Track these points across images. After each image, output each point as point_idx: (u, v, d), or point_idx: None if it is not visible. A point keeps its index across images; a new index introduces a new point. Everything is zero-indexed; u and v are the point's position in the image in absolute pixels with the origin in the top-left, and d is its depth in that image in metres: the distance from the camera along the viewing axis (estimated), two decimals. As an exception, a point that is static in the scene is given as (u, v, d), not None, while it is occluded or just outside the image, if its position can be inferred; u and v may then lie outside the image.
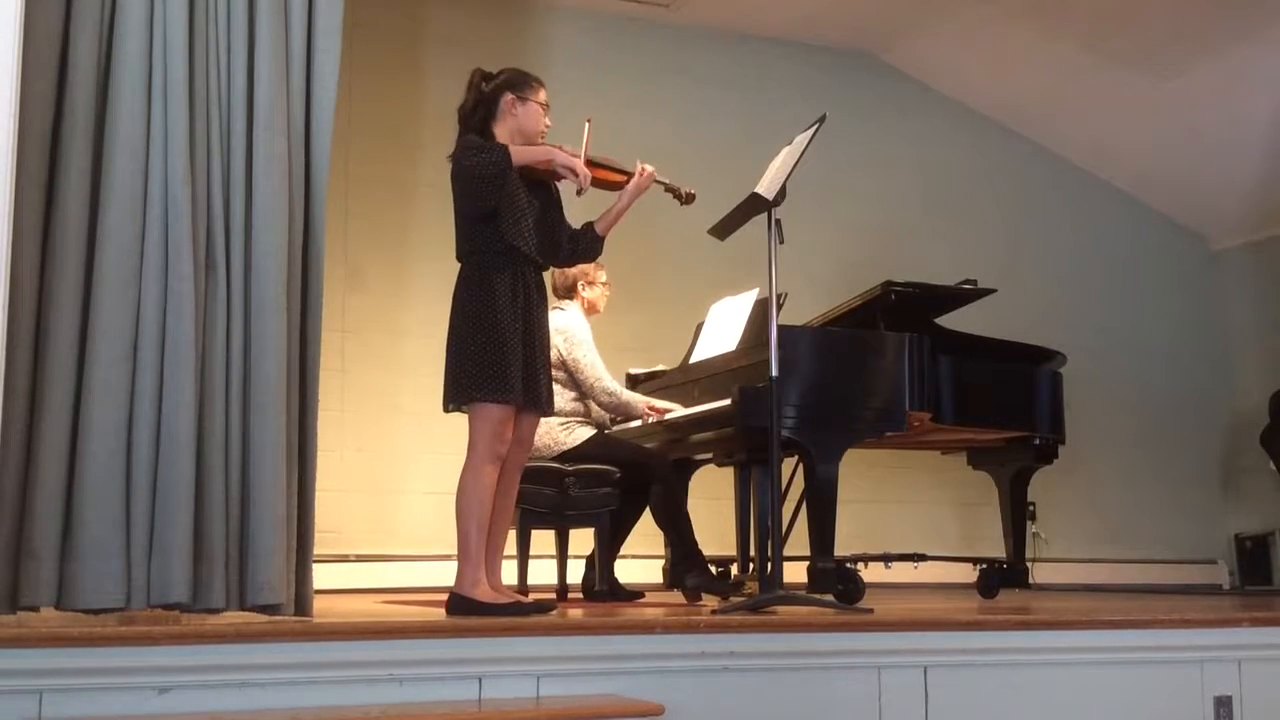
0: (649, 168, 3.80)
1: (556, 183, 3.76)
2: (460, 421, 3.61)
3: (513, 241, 3.53)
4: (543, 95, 3.71)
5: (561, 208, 3.78)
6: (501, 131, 3.66)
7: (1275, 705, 3.65)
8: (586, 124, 3.73)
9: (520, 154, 3.54)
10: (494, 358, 3.46)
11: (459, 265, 3.62)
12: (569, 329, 4.80)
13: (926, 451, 5.76)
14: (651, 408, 4.79)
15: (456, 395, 3.53)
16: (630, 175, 3.80)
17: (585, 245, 3.82)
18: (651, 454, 4.86)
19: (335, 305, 4.75)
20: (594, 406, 4.91)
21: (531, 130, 3.68)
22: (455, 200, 3.59)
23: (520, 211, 3.56)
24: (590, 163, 3.71)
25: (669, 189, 3.86)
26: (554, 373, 4.68)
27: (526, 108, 3.66)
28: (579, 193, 3.68)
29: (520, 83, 3.69)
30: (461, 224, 3.60)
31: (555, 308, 4.91)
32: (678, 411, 4.75)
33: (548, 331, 3.73)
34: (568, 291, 4.98)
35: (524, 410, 3.57)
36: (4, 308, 2.79)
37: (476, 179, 3.48)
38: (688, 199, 3.89)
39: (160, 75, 3.11)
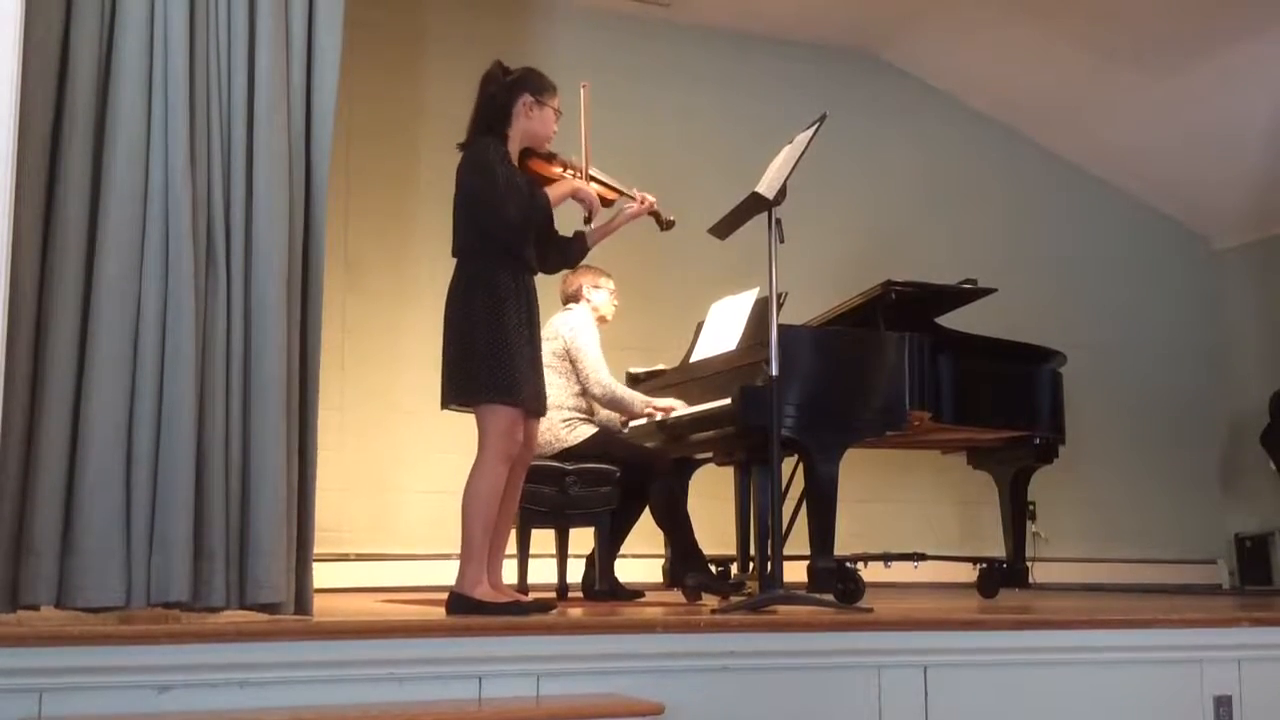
0: (650, 198, 3.88)
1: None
2: (460, 420, 3.61)
3: (515, 246, 3.55)
4: (557, 102, 3.72)
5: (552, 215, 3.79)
6: (514, 130, 3.66)
7: (1275, 705, 3.65)
8: (582, 89, 3.77)
9: (554, 197, 3.62)
10: (504, 359, 3.46)
11: (455, 261, 3.61)
12: (575, 322, 4.83)
13: (927, 451, 5.76)
14: (650, 405, 4.78)
15: (462, 394, 3.51)
16: (622, 194, 3.87)
17: (573, 254, 3.87)
18: (652, 453, 4.86)
19: (335, 304, 4.75)
20: (599, 405, 4.91)
21: (542, 136, 3.71)
22: (458, 195, 3.58)
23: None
24: (590, 177, 3.79)
25: (652, 213, 3.93)
26: (558, 363, 4.75)
27: (543, 113, 3.68)
28: (586, 220, 3.75)
29: (539, 86, 3.69)
30: (464, 222, 3.59)
31: (565, 310, 4.94)
32: (680, 410, 4.74)
33: (540, 337, 3.72)
34: (573, 297, 5.02)
35: (529, 413, 3.59)
36: (4, 307, 2.79)
37: (518, 225, 3.53)
38: (667, 226, 3.97)
39: (160, 74, 3.11)
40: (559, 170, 3.75)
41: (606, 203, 3.84)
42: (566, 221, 3.84)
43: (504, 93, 3.65)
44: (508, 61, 3.75)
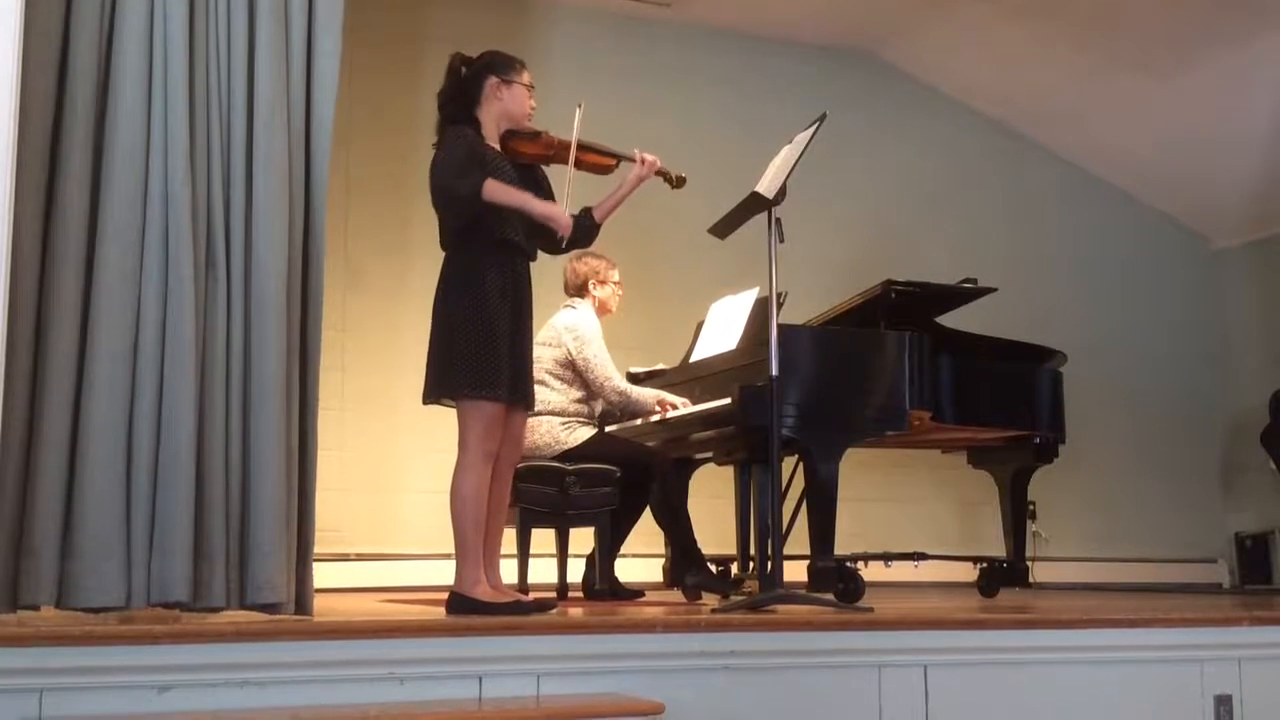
0: (650, 156, 3.76)
1: (545, 167, 3.72)
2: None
3: (502, 233, 3.49)
4: (527, 76, 3.66)
5: (553, 194, 3.71)
6: (487, 116, 3.62)
7: (1276, 704, 3.65)
8: (577, 109, 3.69)
9: (497, 193, 3.43)
10: (485, 354, 3.43)
11: (444, 253, 3.58)
12: (579, 326, 4.78)
13: (927, 450, 5.76)
14: (662, 403, 4.74)
15: (441, 388, 3.49)
16: (620, 158, 3.77)
17: (582, 232, 3.75)
18: (652, 453, 4.85)
19: (335, 305, 4.74)
20: (596, 406, 4.90)
21: (518, 113, 3.64)
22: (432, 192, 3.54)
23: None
24: (581, 146, 3.68)
25: (660, 173, 3.82)
26: (560, 370, 4.71)
27: (512, 90, 3.62)
28: (559, 239, 3.59)
29: (503, 65, 3.64)
30: (441, 214, 3.56)
31: (566, 305, 4.92)
32: (683, 410, 4.72)
33: (532, 326, 3.68)
34: (579, 290, 4.96)
35: (512, 407, 3.55)
36: (4, 307, 2.79)
37: (453, 206, 3.46)
38: (678, 183, 3.86)
39: (160, 75, 3.11)
40: (544, 149, 3.66)
41: (606, 169, 3.77)
42: (579, 198, 3.79)
43: (469, 81, 3.61)
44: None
